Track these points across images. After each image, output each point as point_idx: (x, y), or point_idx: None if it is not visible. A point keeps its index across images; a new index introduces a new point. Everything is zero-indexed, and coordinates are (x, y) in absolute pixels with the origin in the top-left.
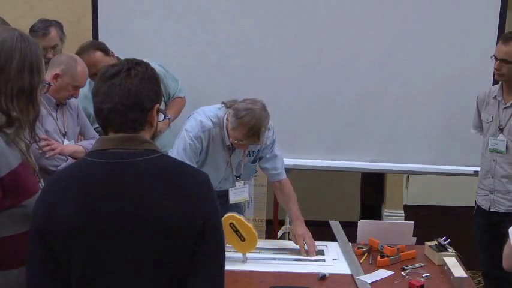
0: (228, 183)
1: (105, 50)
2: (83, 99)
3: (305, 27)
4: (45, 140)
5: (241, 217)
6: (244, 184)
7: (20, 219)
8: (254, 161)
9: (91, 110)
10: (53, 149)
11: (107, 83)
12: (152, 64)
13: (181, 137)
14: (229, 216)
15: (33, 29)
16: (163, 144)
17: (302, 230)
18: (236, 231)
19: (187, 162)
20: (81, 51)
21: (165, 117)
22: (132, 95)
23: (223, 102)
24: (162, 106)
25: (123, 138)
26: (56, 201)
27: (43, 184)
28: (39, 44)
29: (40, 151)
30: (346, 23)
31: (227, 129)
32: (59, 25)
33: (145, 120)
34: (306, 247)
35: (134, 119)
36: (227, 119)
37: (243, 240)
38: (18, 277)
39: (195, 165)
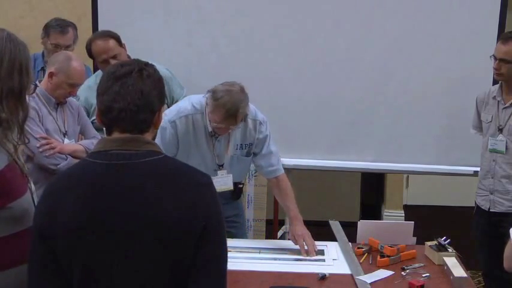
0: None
1: (119, 40)
2: (87, 89)
3: (305, 27)
4: (45, 138)
5: None
6: (227, 173)
7: (7, 221)
8: (248, 155)
9: (93, 101)
10: (53, 148)
11: (117, 83)
12: (159, 67)
13: None
14: None
15: (50, 25)
16: None
17: (301, 230)
18: None
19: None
20: (96, 37)
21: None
22: (144, 96)
23: (209, 90)
24: (165, 108)
25: (126, 139)
26: (58, 202)
27: (32, 185)
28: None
29: (40, 149)
30: (346, 23)
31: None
32: (75, 27)
33: (152, 122)
34: (306, 247)
35: (144, 120)
36: (206, 103)
37: None
38: (12, 278)
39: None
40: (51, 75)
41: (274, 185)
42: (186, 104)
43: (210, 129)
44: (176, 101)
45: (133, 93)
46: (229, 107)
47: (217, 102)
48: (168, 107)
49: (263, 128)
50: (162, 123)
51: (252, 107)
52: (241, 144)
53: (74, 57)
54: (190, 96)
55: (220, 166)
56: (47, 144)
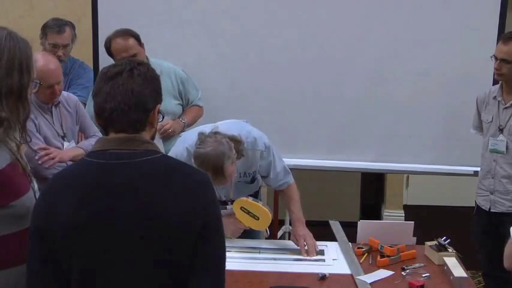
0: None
1: (138, 39)
2: None
3: (305, 26)
4: (44, 149)
5: (248, 199)
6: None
7: (9, 220)
8: (252, 181)
9: None
10: (52, 158)
11: (109, 83)
12: (175, 69)
13: None
14: (238, 201)
15: (47, 25)
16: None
17: (303, 230)
18: (248, 212)
19: None
20: (116, 35)
21: (163, 117)
22: (134, 95)
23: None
24: (180, 110)
25: (124, 139)
26: (56, 201)
27: (35, 184)
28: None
29: (40, 162)
30: (347, 23)
31: None
32: (72, 26)
33: (147, 121)
34: (306, 247)
35: (136, 119)
36: None
37: (258, 219)
38: (12, 277)
39: None
40: None
41: (280, 191)
42: (181, 149)
43: None
44: (191, 103)
45: (123, 93)
46: (212, 172)
47: (200, 169)
48: (183, 109)
49: (265, 155)
50: None
51: (252, 134)
52: (244, 172)
53: (40, 57)
54: (186, 137)
55: (228, 202)
56: (46, 155)
